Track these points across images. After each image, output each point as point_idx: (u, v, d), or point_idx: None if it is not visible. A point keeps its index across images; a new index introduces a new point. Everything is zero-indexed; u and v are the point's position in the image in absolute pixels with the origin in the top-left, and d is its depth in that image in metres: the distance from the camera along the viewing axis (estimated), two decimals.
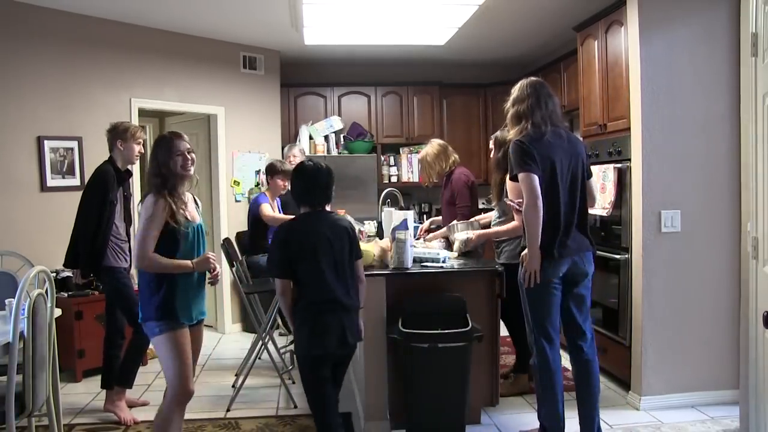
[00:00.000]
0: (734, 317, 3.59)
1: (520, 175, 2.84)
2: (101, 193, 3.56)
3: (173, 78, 5.42)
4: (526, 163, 2.83)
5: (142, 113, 5.34)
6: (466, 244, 3.70)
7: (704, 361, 3.64)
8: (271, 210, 4.57)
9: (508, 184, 3.33)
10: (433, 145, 4.42)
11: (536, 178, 2.81)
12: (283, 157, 5.31)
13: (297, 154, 5.22)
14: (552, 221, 2.86)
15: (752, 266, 2.55)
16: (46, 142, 4.55)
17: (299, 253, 2.64)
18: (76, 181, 4.64)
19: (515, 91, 3.05)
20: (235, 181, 5.80)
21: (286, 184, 4.69)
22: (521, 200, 2.91)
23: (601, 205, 3.86)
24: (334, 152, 6.28)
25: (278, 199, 4.85)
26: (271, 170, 4.69)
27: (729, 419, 3.37)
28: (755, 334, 2.55)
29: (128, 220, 3.83)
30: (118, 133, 3.65)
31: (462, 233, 3.78)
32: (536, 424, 3.11)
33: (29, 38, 4.52)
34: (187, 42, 5.49)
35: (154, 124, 6.40)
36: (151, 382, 4.26)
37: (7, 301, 2.85)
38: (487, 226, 3.95)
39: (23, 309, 2.54)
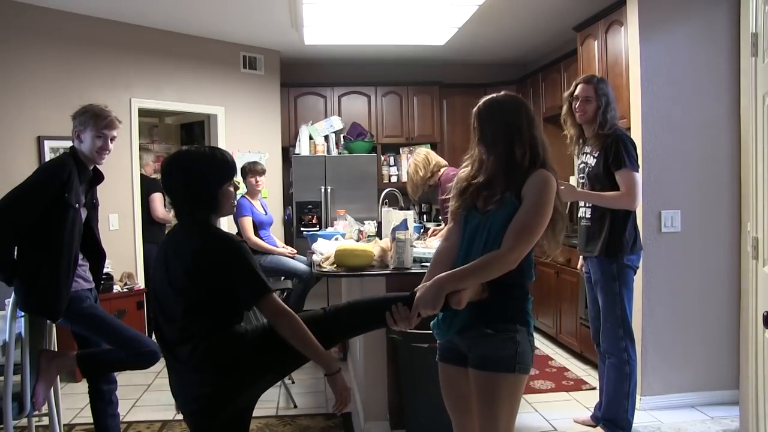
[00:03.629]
0: (734, 317, 3.59)
1: (635, 174, 2.96)
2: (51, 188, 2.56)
3: (173, 78, 5.42)
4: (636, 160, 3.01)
5: (142, 113, 5.34)
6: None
7: (704, 362, 3.64)
8: (250, 227, 4.62)
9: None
10: (414, 158, 4.39)
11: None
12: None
13: (150, 163, 5.25)
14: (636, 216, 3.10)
15: (752, 266, 2.54)
16: (46, 142, 4.55)
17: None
18: None
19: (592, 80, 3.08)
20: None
21: (259, 180, 4.77)
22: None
23: None
24: (334, 152, 6.27)
25: (263, 201, 4.89)
26: (242, 171, 4.77)
27: (729, 419, 3.37)
28: (755, 334, 2.54)
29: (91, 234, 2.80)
30: (75, 119, 2.70)
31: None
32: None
33: (29, 38, 4.52)
34: (187, 42, 5.49)
35: (155, 124, 6.40)
36: (150, 382, 4.26)
37: (6, 300, 2.84)
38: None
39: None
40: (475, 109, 2.04)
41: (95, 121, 2.65)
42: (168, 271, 1.94)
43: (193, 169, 1.92)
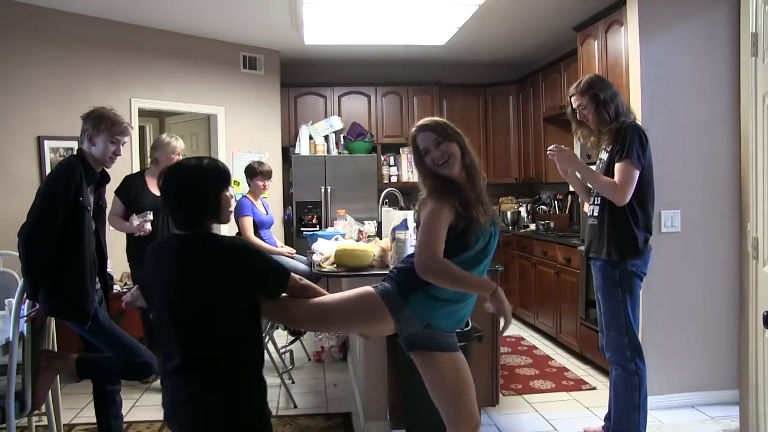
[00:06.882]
0: (734, 317, 3.59)
1: (634, 170, 2.79)
2: (67, 192, 2.55)
3: (173, 78, 5.43)
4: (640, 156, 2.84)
5: (142, 113, 5.35)
6: None
7: (704, 361, 3.64)
8: (250, 227, 4.59)
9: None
10: None
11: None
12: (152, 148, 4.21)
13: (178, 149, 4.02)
14: (651, 216, 2.91)
15: (752, 266, 2.54)
16: (46, 142, 4.55)
17: (147, 292, 2.02)
18: None
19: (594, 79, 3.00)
20: (235, 181, 5.80)
21: (267, 184, 4.73)
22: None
23: None
24: (334, 152, 6.28)
25: (264, 200, 4.87)
26: (250, 172, 4.71)
27: (729, 419, 3.37)
28: (755, 334, 2.54)
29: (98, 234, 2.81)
30: (86, 121, 2.69)
31: None
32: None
33: (30, 38, 4.53)
34: (187, 42, 5.49)
35: (154, 124, 6.40)
36: (151, 382, 4.25)
37: (6, 301, 2.85)
38: None
39: (23, 309, 2.54)
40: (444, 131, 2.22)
41: (111, 126, 2.69)
42: (175, 286, 1.85)
43: (197, 178, 1.88)
